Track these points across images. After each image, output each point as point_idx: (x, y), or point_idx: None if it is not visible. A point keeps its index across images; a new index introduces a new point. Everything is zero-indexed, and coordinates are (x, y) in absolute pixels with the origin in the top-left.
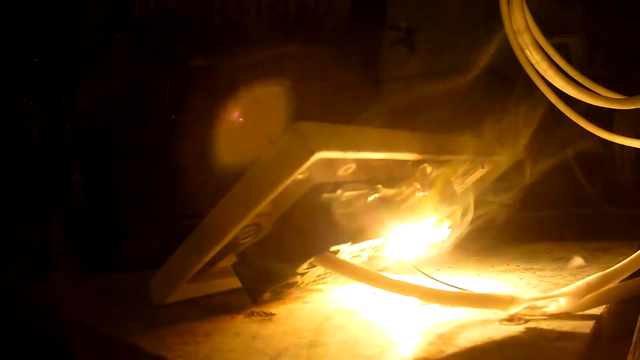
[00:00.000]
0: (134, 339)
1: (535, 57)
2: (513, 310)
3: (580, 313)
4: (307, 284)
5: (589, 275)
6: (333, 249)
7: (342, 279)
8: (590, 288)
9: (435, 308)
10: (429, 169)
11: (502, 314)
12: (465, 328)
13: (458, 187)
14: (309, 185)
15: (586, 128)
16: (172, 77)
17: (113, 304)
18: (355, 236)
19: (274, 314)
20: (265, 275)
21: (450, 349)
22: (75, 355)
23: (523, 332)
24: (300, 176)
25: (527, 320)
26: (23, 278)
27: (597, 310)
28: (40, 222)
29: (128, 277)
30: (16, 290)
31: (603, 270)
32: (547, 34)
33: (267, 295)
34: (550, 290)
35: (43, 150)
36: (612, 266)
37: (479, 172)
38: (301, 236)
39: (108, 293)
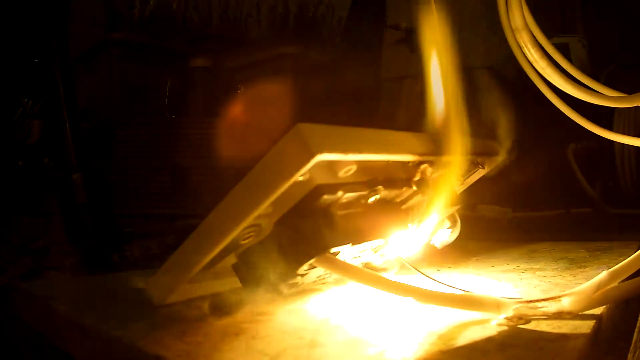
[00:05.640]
0: (134, 339)
1: (533, 56)
2: (501, 313)
3: (580, 313)
4: (307, 284)
5: (589, 275)
6: (333, 250)
7: (342, 279)
8: (599, 287)
9: (436, 308)
10: (429, 170)
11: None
12: (465, 328)
13: (458, 188)
14: (310, 187)
15: (586, 127)
16: (172, 77)
17: (113, 304)
18: (355, 237)
19: (274, 314)
20: (265, 276)
21: (451, 349)
22: (75, 355)
23: (523, 332)
24: (301, 178)
25: (528, 320)
26: (23, 278)
27: (597, 310)
28: (40, 222)
29: (128, 277)
30: (16, 290)
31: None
32: (547, 33)
33: (267, 296)
34: (550, 290)
35: (43, 150)
36: (613, 266)
37: (479, 173)
38: (302, 237)
39: (108, 293)
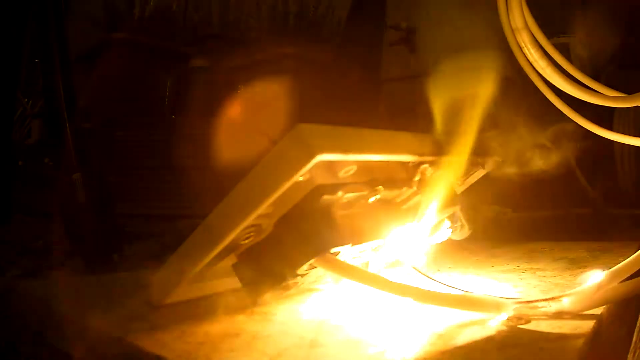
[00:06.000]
0: (134, 339)
1: (533, 55)
2: (501, 314)
3: (580, 313)
4: (307, 284)
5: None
6: (333, 250)
7: (343, 279)
8: (600, 287)
9: (436, 308)
10: (429, 170)
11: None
12: (466, 328)
13: (458, 188)
14: (310, 187)
15: (586, 127)
16: (172, 77)
17: (113, 304)
18: (355, 238)
19: (274, 314)
20: (265, 276)
21: (451, 349)
22: (75, 355)
23: (523, 332)
24: (301, 178)
25: (528, 320)
26: (23, 278)
27: (597, 310)
28: (40, 222)
29: (128, 277)
30: (16, 290)
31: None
32: (547, 33)
33: (267, 296)
34: (550, 290)
35: (43, 150)
36: (613, 266)
37: (480, 173)
38: (302, 237)
39: (108, 293)
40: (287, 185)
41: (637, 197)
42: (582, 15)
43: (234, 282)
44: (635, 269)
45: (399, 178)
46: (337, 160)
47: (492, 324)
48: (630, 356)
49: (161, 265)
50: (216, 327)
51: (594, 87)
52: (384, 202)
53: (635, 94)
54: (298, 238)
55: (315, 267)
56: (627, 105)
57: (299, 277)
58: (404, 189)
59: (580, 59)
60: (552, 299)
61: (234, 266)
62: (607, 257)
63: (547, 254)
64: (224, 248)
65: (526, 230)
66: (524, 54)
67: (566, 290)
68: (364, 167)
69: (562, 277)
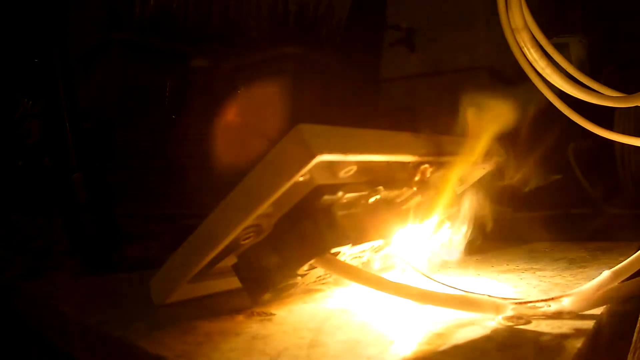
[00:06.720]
0: (134, 339)
1: (533, 55)
2: (500, 314)
3: (580, 313)
4: (307, 284)
5: (589, 275)
6: (334, 250)
7: (343, 280)
8: (600, 287)
9: (435, 308)
10: (429, 171)
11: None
12: (465, 328)
13: (459, 188)
14: (310, 187)
15: (586, 127)
16: (172, 77)
17: (113, 304)
18: (356, 238)
19: (274, 314)
20: (265, 276)
21: (450, 349)
22: (76, 355)
23: (523, 332)
24: (301, 178)
25: (528, 321)
26: (23, 278)
27: (597, 310)
28: (40, 222)
29: (128, 277)
30: (16, 290)
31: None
32: (547, 33)
33: (267, 296)
34: (550, 290)
35: (43, 150)
36: (614, 266)
37: (480, 173)
38: (302, 238)
39: (108, 293)
40: (287, 185)
41: (637, 197)
42: (583, 15)
43: (234, 282)
44: (635, 269)
45: (399, 178)
46: (337, 161)
47: (494, 324)
48: (630, 356)
49: (161, 265)
50: (216, 327)
51: (594, 87)
52: (384, 202)
53: (636, 94)
54: (298, 238)
55: (315, 267)
56: (627, 105)
57: (299, 277)
58: (404, 189)
59: (580, 59)
60: (552, 299)
61: (234, 266)
62: (607, 257)
63: (547, 254)
64: (224, 248)
65: (526, 230)
66: (524, 54)
67: (566, 290)
68: (364, 167)
69: (562, 277)
